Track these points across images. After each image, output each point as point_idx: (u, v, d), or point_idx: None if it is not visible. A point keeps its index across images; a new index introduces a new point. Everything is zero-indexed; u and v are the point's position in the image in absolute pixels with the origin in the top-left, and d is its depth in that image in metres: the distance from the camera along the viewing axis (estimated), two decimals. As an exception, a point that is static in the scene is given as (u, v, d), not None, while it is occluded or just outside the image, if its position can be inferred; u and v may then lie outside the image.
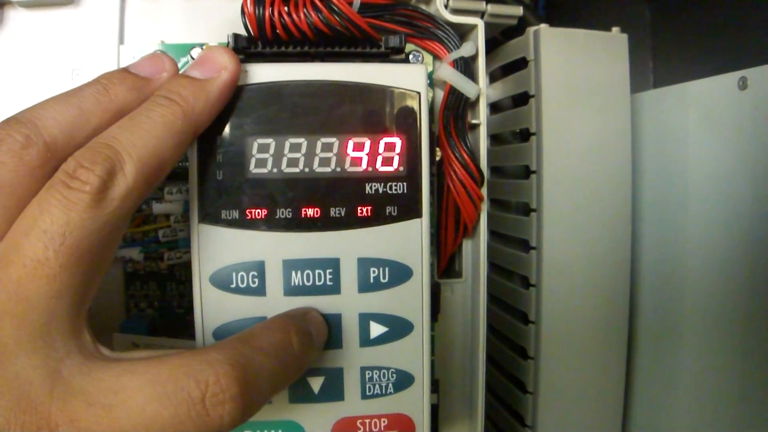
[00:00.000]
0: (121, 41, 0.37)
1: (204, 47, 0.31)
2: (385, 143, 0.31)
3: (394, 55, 0.36)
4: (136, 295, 0.38)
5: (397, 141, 0.31)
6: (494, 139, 0.49)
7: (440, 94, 0.38)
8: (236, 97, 0.30)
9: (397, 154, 0.31)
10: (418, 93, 0.31)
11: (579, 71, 0.42)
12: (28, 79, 0.37)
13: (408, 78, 0.32)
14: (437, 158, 0.38)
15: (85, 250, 0.23)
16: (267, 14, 0.33)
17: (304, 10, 0.33)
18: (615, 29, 0.43)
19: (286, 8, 0.33)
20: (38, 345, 0.22)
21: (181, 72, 0.29)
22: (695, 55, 0.49)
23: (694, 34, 0.49)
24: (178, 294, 0.38)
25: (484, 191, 0.38)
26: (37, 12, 0.37)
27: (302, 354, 0.27)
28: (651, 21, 0.53)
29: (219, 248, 0.30)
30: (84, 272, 0.23)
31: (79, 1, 0.37)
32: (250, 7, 0.33)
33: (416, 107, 0.31)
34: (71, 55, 0.37)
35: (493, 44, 0.46)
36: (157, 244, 0.36)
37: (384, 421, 0.32)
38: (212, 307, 0.30)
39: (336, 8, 0.33)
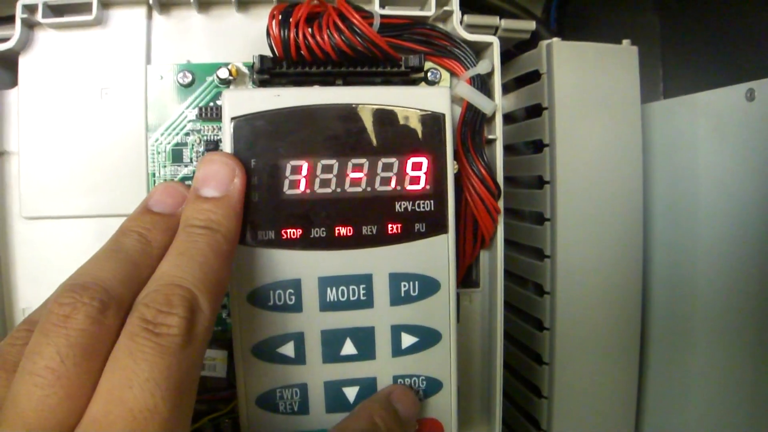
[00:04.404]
0: (148, 61, 0.40)
1: (200, 160, 0.33)
2: (413, 163, 0.35)
3: (413, 73, 0.40)
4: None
5: (424, 161, 0.35)
6: (508, 149, 0.51)
7: (458, 111, 0.41)
8: (269, 121, 0.33)
9: (424, 173, 0.35)
10: (443, 114, 0.35)
11: (591, 83, 0.45)
12: (57, 98, 0.40)
13: (433, 100, 0.35)
14: (454, 172, 0.41)
15: (186, 387, 0.25)
16: (291, 36, 0.36)
17: (328, 31, 0.36)
18: (625, 42, 0.46)
19: (309, 30, 0.36)
20: None
21: (192, 189, 0.32)
22: (705, 66, 0.52)
23: (703, 44, 0.52)
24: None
25: (500, 204, 0.41)
26: (65, 33, 0.40)
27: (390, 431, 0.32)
28: (661, 32, 0.56)
29: (256, 268, 0.34)
30: (188, 405, 0.25)
31: (107, 22, 0.40)
32: (275, 29, 0.36)
33: (441, 128, 0.35)
34: (99, 74, 0.40)
35: (506, 57, 0.49)
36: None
37: (415, 426, 0.36)
38: (250, 324, 0.34)
39: (358, 30, 0.36)
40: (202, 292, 0.26)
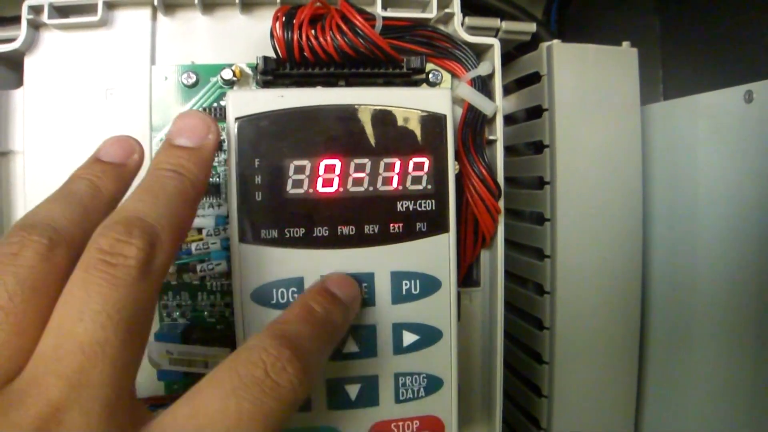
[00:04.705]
0: (152, 62, 0.41)
1: (176, 116, 0.33)
2: (414, 163, 0.35)
3: (415, 75, 0.40)
4: (169, 305, 0.42)
5: (426, 161, 0.35)
6: (509, 150, 0.52)
7: (459, 111, 0.41)
8: (273, 121, 0.34)
9: (426, 173, 0.35)
10: (444, 115, 0.36)
11: (591, 85, 0.45)
12: (62, 98, 0.40)
13: (434, 101, 0.36)
14: (455, 172, 0.42)
15: (139, 323, 0.24)
16: (295, 37, 0.37)
17: (330, 33, 0.37)
18: (625, 43, 0.46)
19: (313, 32, 0.37)
20: (112, 427, 0.22)
21: (166, 139, 0.32)
22: (704, 67, 0.52)
23: (703, 46, 0.52)
24: (209, 304, 0.42)
25: (501, 204, 0.42)
26: (71, 33, 0.40)
27: (328, 313, 0.31)
28: (661, 34, 0.57)
29: (259, 266, 0.34)
30: (140, 344, 0.25)
31: (112, 23, 0.41)
32: (279, 31, 0.37)
33: (442, 129, 0.36)
34: (104, 75, 0.40)
35: (507, 58, 0.50)
36: (189, 256, 0.41)
37: (416, 423, 0.37)
38: (253, 322, 0.34)
39: (360, 31, 0.37)
40: (164, 228, 0.26)
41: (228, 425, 0.23)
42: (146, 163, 0.40)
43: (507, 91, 0.52)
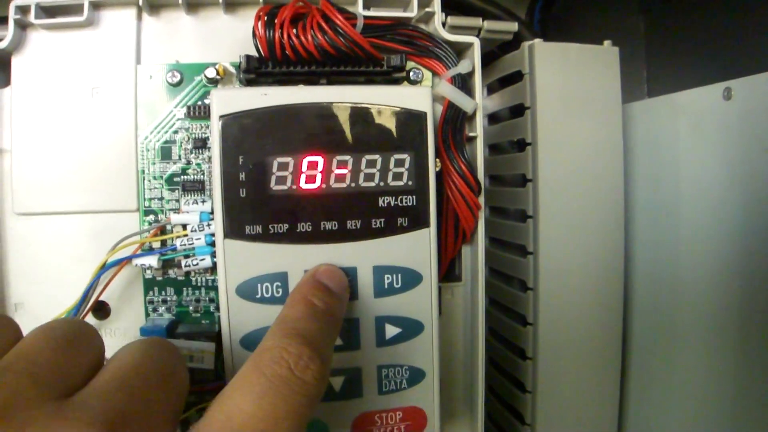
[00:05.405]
0: (138, 61, 0.42)
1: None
2: (396, 160, 0.36)
3: (395, 73, 0.41)
4: (155, 300, 0.43)
5: (406, 157, 0.36)
6: (493, 148, 0.54)
7: (439, 109, 0.42)
8: (257, 119, 0.35)
9: (406, 169, 0.36)
10: (425, 113, 0.37)
11: (572, 83, 0.46)
12: (49, 97, 0.41)
13: (415, 99, 0.37)
14: (437, 169, 0.43)
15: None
16: (277, 36, 0.38)
17: (311, 32, 0.38)
18: (607, 42, 0.47)
19: (294, 30, 0.38)
20: None
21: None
22: (688, 66, 0.53)
23: (687, 45, 0.53)
24: (194, 299, 0.43)
25: (481, 200, 0.43)
26: (57, 33, 0.41)
27: (328, 307, 0.32)
28: (645, 33, 0.57)
29: (244, 262, 0.35)
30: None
31: (98, 23, 0.42)
32: (260, 30, 0.38)
33: (423, 126, 0.37)
34: (90, 74, 0.41)
35: (490, 57, 0.51)
36: (174, 252, 0.41)
37: (399, 414, 0.38)
38: (239, 316, 0.36)
39: (341, 30, 0.38)
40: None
41: (265, 425, 0.25)
42: (131, 161, 0.41)
43: (490, 90, 0.53)
